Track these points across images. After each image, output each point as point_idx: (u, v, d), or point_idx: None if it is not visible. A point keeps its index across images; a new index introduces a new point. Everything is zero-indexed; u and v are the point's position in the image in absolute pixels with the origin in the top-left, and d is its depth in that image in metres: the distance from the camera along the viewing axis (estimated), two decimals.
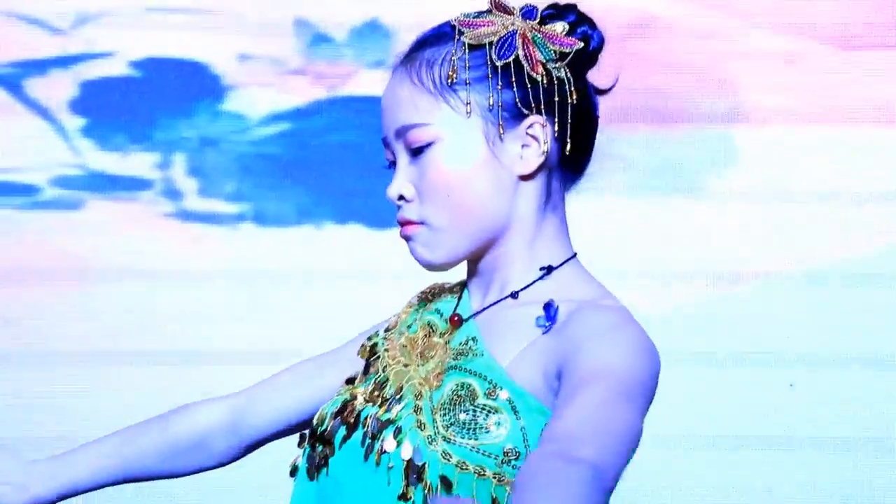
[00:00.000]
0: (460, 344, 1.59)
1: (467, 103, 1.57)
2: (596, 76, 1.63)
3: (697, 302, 2.99)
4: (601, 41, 1.62)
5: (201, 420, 1.81)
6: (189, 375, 3.00)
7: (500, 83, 1.57)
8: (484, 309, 1.61)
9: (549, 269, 1.59)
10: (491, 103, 1.57)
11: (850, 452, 2.94)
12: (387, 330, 1.69)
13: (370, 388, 1.61)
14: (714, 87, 3.00)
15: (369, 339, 1.70)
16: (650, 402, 1.48)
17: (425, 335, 1.62)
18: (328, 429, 1.61)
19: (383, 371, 1.62)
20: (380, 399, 1.59)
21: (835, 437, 2.96)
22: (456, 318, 1.61)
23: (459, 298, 1.66)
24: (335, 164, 3.01)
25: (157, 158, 3.04)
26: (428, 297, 1.70)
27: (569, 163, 1.61)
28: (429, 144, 1.58)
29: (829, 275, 2.97)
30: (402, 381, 1.59)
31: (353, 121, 3.01)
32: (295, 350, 2.98)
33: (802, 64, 3.00)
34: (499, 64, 1.57)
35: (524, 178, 1.59)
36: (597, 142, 1.65)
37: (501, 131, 1.58)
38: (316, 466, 1.61)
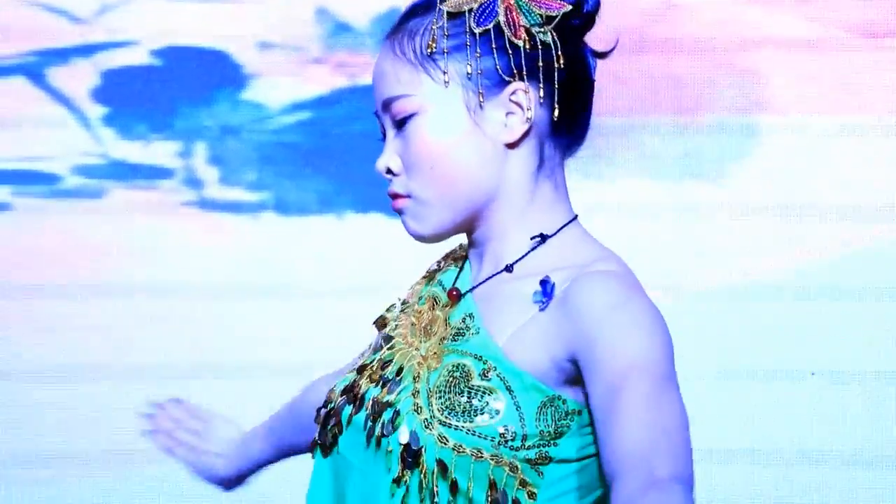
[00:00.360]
0: (458, 321, 1.57)
1: (445, 72, 1.55)
2: (595, 42, 1.60)
3: (718, 290, 2.99)
4: (597, 3, 1.59)
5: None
6: (210, 363, 3.01)
7: (478, 51, 1.55)
8: (480, 283, 1.59)
9: (542, 239, 1.57)
10: (470, 71, 1.55)
11: None
12: (404, 303, 1.68)
13: (375, 366, 1.61)
14: (736, 74, 3.00)
15: (388, 309, 1.69)
16: (672, 350, 1.47)
17: (430, 308, 1.61)
18: (335, 407, 1.61)
19: (389, 350, 1.61)
20: (381, 380, 1.59)
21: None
22: (454, 293, 1.59)
23: (461, 270, 1.64)
24: (356, 152, 3.01)
25: (178, 147, 3.05)
26: (440, 267, 1.69)
27: (562, 128, 1.58)
28: (411, 116, 1.56)
29: (852, 264, 2.97)
30: (403, 362, 1.58)
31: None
32: (316, 338, 3.00)
33: (825, 52, 2.99)
34: (477, 31, 1.55)
35: (511, 145, 1.56)
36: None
37: (481, 99, 1.55)
38: (328, 444, 1.61)
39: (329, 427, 1.61)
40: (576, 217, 1.59)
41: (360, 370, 1.62)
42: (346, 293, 2.97)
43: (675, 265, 2.98)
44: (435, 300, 1.61)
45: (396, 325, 1.64)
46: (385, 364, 1.60)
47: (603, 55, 1.61)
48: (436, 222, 1.57)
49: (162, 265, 3.02)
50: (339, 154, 3.03)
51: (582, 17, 1.58)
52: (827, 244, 2.98)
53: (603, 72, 3.00)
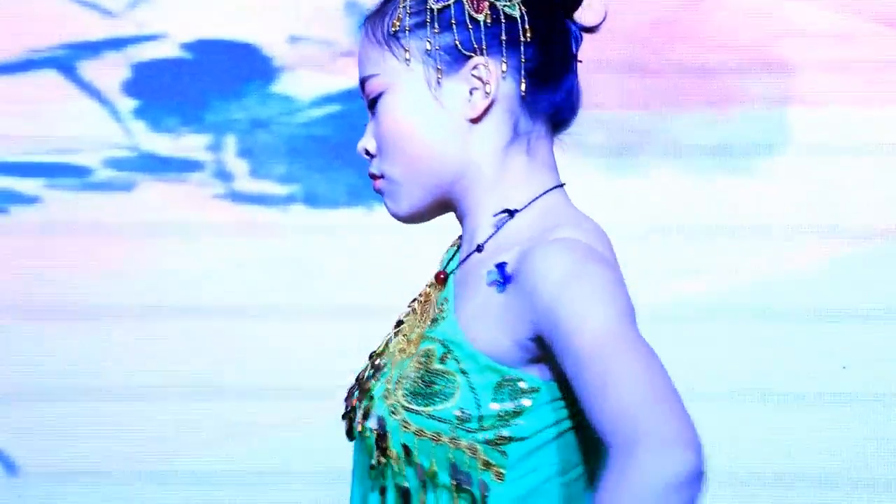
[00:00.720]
0: (438, 305, 1.56)
1: (406, 50, 1.54)
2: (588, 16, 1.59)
3: (748, 282, 2.98)
4: None
5: None
6: (240, 355, 3.02)
7: (436, 27, 1.54)
8: (459, 265, 1.58)
9: (510, 214, 1.55)
10: (429, 48, 1.54)
11: None
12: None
13: (380, 351, 1.62)
14: (767, 66, 2.99)
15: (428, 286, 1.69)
16: (634, 312, 1.43)
17: (430, 290, 1.61)
18: (348, 393, 1.62)
19: (395, 334, 1.61)
20: (376, 366, 1.59)
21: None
22: (441, 276, 1.59)
23: (457, 250, 1.63)
24: None
25: (208, 140, 3.05)
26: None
27: (539, 102, 1.56)
28: (380, 95, 1.56)
29: (881, 257, 2.96)
30: (391, 347, 1.58)
31: None
32: (345, 330, 3.00)
33: (857, 43, 2.97)
34: (435, 7, 1.54)
35: (476, 120, 1.54)
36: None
37: (439, 76, 1.54)
38: (347, 431, 1.62)
39: (346, 413, 1.62)
40: (556, 187, 1.57)
41: (371, 356, 1.62)
42: (375, 285, 2.97)
43: (704, 257, 2.97)
44: (435, 282, 1.61)
45: (409, 311, 1.64)
46: (383, 351, 1.60)
47: (591, 30, 1.59)
48: (409, 202, 1.57)
49: (192, 257, 3.03)
50: None
51: None
52: (859, 237, 2.97)
53: (633, 65, 3.00)
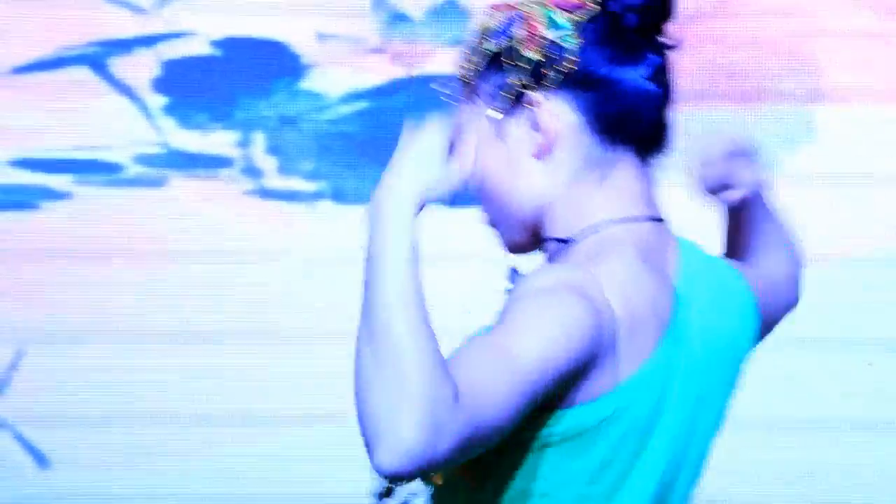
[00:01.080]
0: None
1: (474, 94, 1.55)
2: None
3: None
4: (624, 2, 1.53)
5: None
6: (268, 351, 3.03)
7: (493, 69, 1.53)
8: None
9: (558, 243, 1.54)
10: (489, 90, 1.54)
11: None
12: None
13: None
14: (795, 64, 2.98)
15: None
16: (550, 372, 1.40)
17: None
18: None
19: None
20: None
21: None
22: None
23: None
24: None
25: (237, 137, 3.07)
26: None
27: (607, 130, 1.53)
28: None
29: None
30: None
31: (431, 100, 3.01)
32: None
33: (885, 41, 2.97)
34: (491, 50, 1.54)
35: (542, 156, 1.54)
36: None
37: (499, 117, 1.53)
38: None
39: None
40: (624, 220, 1.54)
41: None
42: None
43: None
44: None
45: None
46: None
47: (672, 47, 1.56)
48: (504, 239, 1.58)
49: (221, 253, 3.05)
50: (395, 144, 3.04)
51: (619, 15, 1.53)
52: (884, 234, 2.96)
53: None
